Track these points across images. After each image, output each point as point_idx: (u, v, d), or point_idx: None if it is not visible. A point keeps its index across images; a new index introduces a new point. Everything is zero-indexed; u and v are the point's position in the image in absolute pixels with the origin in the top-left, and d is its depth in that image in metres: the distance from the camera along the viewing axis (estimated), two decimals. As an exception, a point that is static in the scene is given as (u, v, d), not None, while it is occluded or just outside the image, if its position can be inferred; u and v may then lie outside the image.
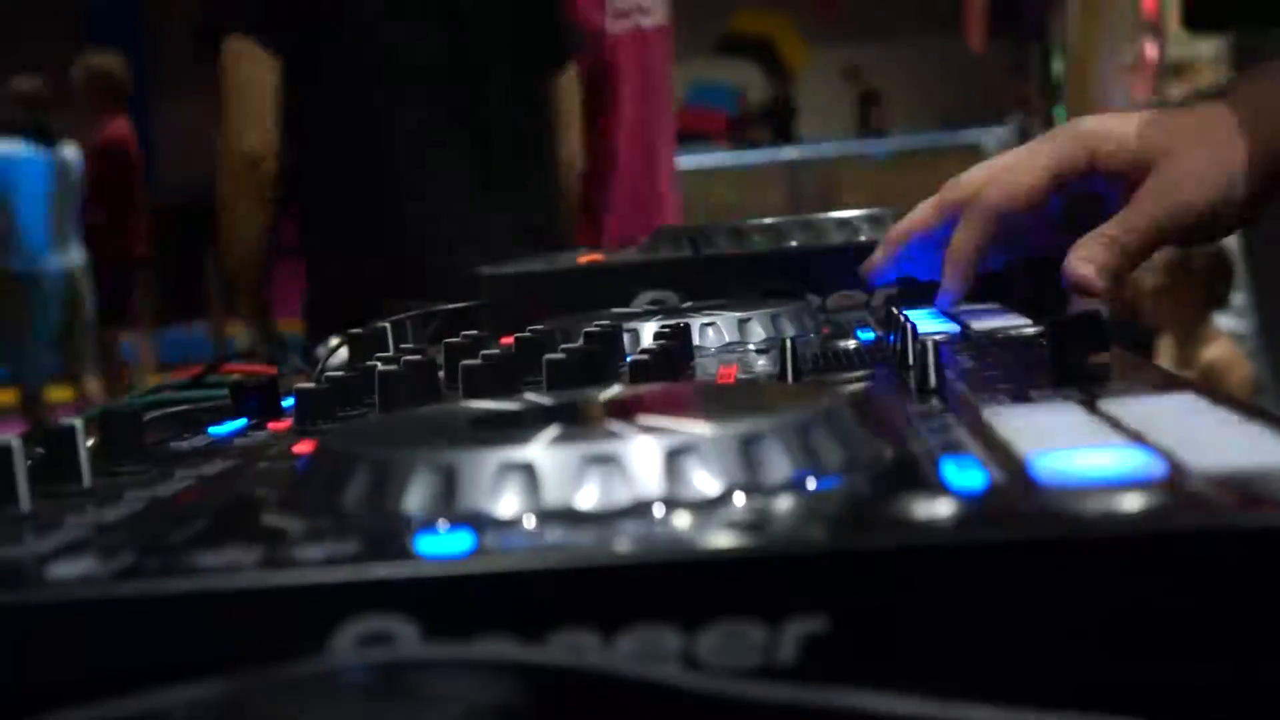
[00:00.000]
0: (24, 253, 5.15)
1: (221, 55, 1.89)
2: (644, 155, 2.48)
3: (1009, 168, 0.80)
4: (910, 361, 0.61)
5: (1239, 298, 3.33)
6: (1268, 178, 0.76)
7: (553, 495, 0.38)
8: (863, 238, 1.02)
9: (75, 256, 5.34)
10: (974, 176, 0.82)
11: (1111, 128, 0.78)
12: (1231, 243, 3.94)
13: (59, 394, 5.53)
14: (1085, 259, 0.74)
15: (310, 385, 0.63)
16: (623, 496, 0.38)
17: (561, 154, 2.11)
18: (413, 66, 1.91)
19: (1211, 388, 0.51)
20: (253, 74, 1.87)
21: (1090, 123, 0.79)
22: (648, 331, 0.77)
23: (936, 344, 0.57)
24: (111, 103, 5.50)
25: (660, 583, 0.34)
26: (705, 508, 0.37)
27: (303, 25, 1.88)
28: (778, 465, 0.39)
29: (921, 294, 0.87)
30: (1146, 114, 0.79)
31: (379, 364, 0.65)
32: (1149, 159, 0.76)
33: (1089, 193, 0.80)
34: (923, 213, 0.85)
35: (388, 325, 0.85)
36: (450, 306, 1.04)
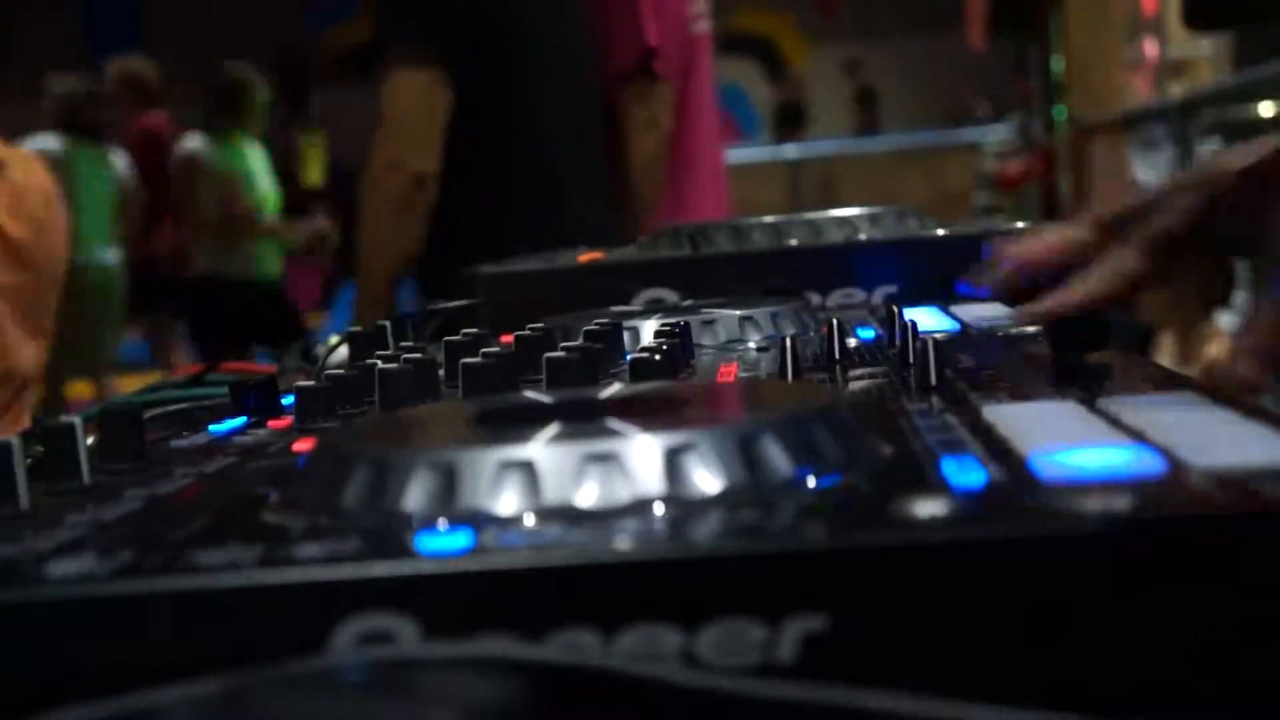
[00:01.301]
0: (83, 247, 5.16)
1: (390, 78, 1.96)
2: (714, 154, 2.55)
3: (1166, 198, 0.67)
4: (910, 359, 0.61)
5: (1241, 296, 3.33)
6: None
7: (553, 493, 0.38)
8: (862, 236, 1.02)
9: (114, 254, 5.35)
10: (1115, 203, 0.68)
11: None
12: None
13: (80, 389, 5.53)
14: (1250, 353, 0.64)
15: (310, 383, 0.63)
16: (623, 495, 0.38)
17: (632, 157, 2.22)
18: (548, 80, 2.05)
19: (1214, 386, 0.51)
20: (427, 99, 1.95)
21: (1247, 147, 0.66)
22: (648, 330, 0.77)
23: (937, 342, 0.57)
24: (144, 103, 5.56)
25: (660, 581, 0.34)
26: (705, 506, 0.37)
27: (468, 55, 1.96)
28: (777, 464, 0.39)
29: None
30: None
31: (379, 362, 0.65)
32: None
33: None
34: (1076, 235, 0.69)
35: (388, 324, 0.85)
36: (450, 305, 1.04)
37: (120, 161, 5.43)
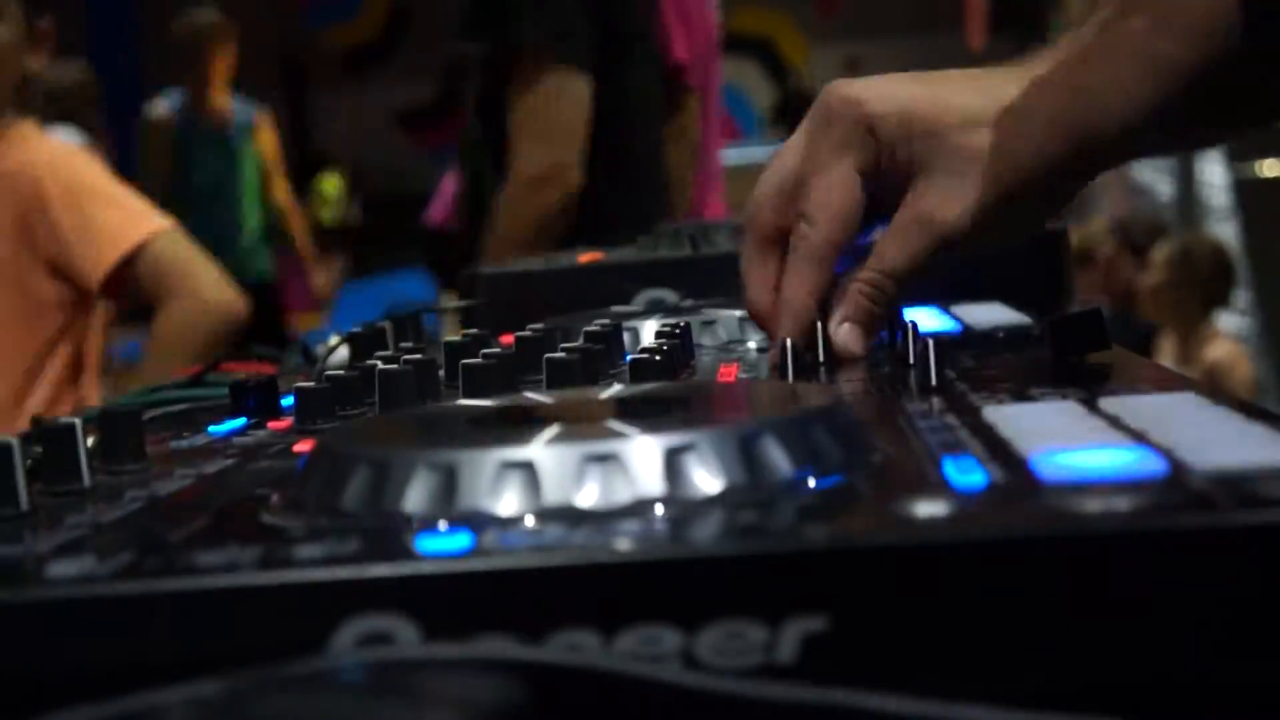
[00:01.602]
0: None
1: (543, 81, 1.90)
2: (716, 154, 2.57)
3: (818, 189, 0.66)
4: (911, 360, 0.61)
5: (1242, 297, 3.33)
6: (1070, 169, 0.64)
7: (553, 494, 0.38)
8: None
9: None
10: (766, 198, 0.69)
11: (891, 110, 0.65)
12: (1233, 241, 3.94)
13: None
14: (849, 320, 0.66)
15: (310, 384, 0.63)
16: (623, 495, 0.38)
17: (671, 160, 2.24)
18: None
19: (1214, 387, 0.51)
20: (582, 104, 1.91)
21: (874, 104, 0.65)
22: (648, 330, 0.77)
23: (937, 342, 0.57)
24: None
25: (660, 582, 0.34)
26: (705, 506, 0.37)
27: (604, 60, 1.95)
28: (778, 464, 0.39)
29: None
30: (939, 88, 0.65)
31: (379, 363, 0.65)
32: (920, 158, 0.64)
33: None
34: (760, 265, 0.71)
35: (388, 324, 0.85)
36: (450, 306, 1.04)
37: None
